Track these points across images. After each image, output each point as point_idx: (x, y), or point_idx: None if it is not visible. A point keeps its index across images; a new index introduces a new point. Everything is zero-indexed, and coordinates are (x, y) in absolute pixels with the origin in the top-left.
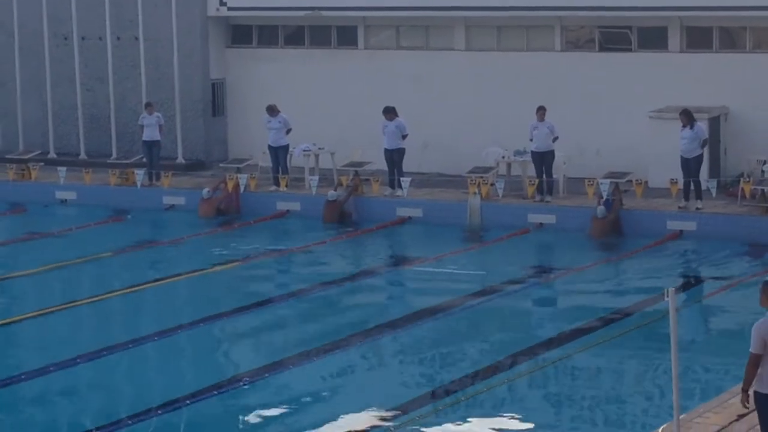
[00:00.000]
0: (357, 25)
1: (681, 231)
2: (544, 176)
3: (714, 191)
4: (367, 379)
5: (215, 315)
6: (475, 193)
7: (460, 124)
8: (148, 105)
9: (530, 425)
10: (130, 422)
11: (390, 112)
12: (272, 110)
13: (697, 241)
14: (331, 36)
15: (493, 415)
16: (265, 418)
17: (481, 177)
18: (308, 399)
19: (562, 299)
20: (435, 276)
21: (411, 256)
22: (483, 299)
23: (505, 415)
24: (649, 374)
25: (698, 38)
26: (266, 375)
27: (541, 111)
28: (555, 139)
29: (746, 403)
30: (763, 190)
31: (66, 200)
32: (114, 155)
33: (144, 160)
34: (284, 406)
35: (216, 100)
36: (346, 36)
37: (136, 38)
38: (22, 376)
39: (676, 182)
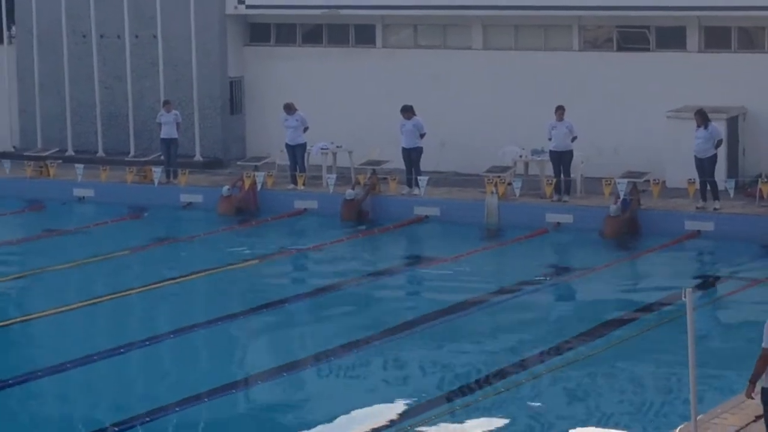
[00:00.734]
0: (375, 23)
1: (699, 231)
2: (561, 176)
3: (732, 191)
4: (383, 379)
5: (232, 313)
6: (492, 192)
7: (478, 123)
8: (166, 103)
9: (548, 424)
10: (147, 419)
11: (408, 111)
12: (290, 108)
13: (715, 241)
14: (349, 34)
15: (510, 414)
16: (281, 416)
17: (499, 176)
18: (324, 398)
19: (579, 298)
20: (452, 275)
21: (428, 255)
22: (500, 299)
23: (522, 414)
24: (666, 374)
25: (717, 38)
26: (283, 374)
27: (560, 110)
28: (574, 138)
29: (752, 395)
30: None
31: (84, 197)
32: (132, 153)
33: (162, 157)
34: (300, 405)
35: (234, 98)
36: (364, 34)
37: (155, 36)
38: (40, 373)
39: (694, 182)
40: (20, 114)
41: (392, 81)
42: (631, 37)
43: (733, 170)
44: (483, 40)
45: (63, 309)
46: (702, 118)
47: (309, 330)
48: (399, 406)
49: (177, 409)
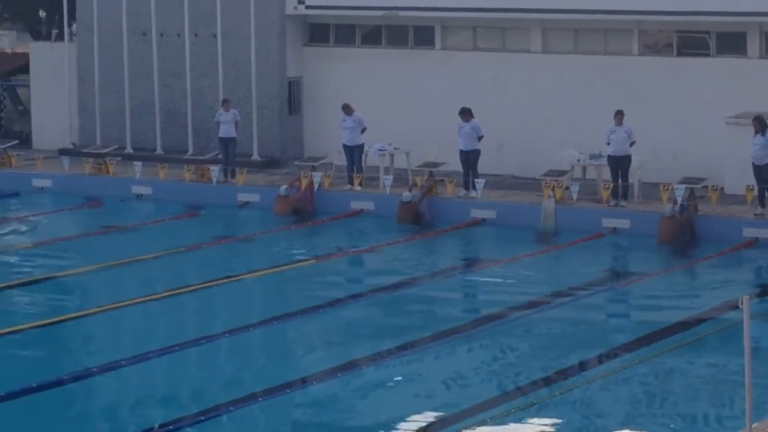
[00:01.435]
0: (434, 25)
1: (757, 239)
2: (619, 180)
3: None
4: (438, 380)
5: (287, 313)
6: (549, 196)
7: (536, 127)
8: (224, 102)
9: (602, 429)
10: (202, 418)
11: (466, 114)
12: (347, 109)
13: None
14: (408, 36)
15: (563, 418)
16: (334, 416)
17: (556, 180)
18: (378, 399)
19: (634, 304)
20: (507, 278)
21: (484, 258)
22: (555, 302)
23: (576, 418)
24: (722, 381)
25: None
26: (338, 374)
27: (619, 115)
28: (632, 143)
29: None
30: None
31: (142, 195)
32: (190, 151)
33: (219, 156)
34: (354, 406)
35: (292, 98)
36: (423, 36)
37: (214, 35)
38: (94, 370)
39: (753, 189)
40: (80, 111)
41: (450, 83)
42: (691, 43)
43: None
44: (542, 43)
45: (118, 306)
46: (760, 124)
47: (363, 331)
48: (453, 408)
49: (231, 408)
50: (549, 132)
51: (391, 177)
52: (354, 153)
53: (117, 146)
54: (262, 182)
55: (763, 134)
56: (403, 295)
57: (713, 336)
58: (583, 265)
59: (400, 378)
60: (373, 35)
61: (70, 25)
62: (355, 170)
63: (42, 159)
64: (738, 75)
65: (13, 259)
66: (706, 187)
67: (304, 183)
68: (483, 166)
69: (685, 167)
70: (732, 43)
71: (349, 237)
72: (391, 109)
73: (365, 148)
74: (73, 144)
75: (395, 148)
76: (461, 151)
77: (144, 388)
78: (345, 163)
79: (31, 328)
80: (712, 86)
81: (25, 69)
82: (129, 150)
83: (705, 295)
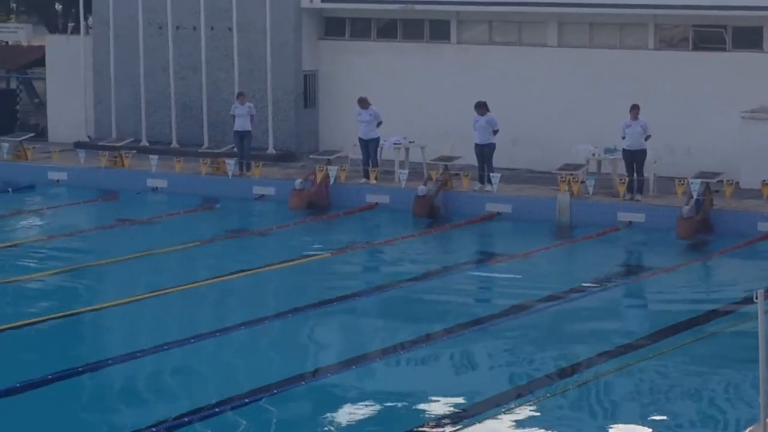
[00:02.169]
0: (450, 19)
1: None
2: (635, 174)
3: None
4: (452, 374)
5: (302, 306)
6: (565, 190)
7: (551, 121)
8: (240, 95)
9: (615, 423)
10: (217, 410)
11: (481, 107)
12: (363, 103)
13: None
14: (424, 30)
15: (576, 412)
16: (349, 409)
17: (571, 174)
18: (392, 391)
19: (650, 298)
20: (522, 272)
21: (499, 252)
22: (570, 297)
23: (591, 411)
24: (736, 376)
25: None
26: (352, 367)
27: (634, 109)
28: (647, 137)
29: None
30: None
31: (157, 188)
32: (205, 144)
33: (235, 149)
34: (368, 399)
35: (308, 91)
36: (439, 30)
37: (230, 29)
38: (110, 362)
39: None
40: (96, 105)
41: (466, 77)
42: (707, 37)
43: None
44: (558, 37)
45: (134, 299)
46: None
47: (378, 324)
48: (468, 401)
49: (246, 400)
50: (564, 126)
51: (406, 171)
52: (369, 146)
53: (132, 139)
54: (277, 175)
55: None
56: (417, 289)
57: (728, 331)
58: (598, 259)
59: (414, 371)
60: (388, 29)
61: (86, 19)
62: (370, 164)
63: (58, 152)
64: (754, 70)
65: (28, 252)
66: (722, 181)
67: (320, 176)
68: (498, 159)
69: (701, 161)
70: (748, 37)
71: (365, 230)
72: (407, 102)
73: (381, 142)
74: (88, 137)
75: (410, 142)
76: (476, 145)
77: (158, 381)
78: (360, 156)
79: (46, 320)
80: (727, 81)
81: (41, 62)
82: (144, 143)
83: (720, 290)
